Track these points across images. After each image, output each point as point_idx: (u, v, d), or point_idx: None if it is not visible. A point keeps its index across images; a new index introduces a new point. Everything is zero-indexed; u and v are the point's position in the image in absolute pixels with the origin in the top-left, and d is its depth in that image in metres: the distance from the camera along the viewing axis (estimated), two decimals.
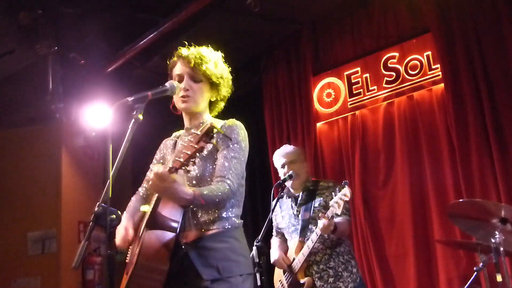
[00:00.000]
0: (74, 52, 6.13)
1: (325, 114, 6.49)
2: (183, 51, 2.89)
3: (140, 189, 3.11)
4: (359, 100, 6.19)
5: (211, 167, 2.74)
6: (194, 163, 2.36)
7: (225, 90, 2.95)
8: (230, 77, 2.98)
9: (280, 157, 4.65)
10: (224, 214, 2.73)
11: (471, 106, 5.19)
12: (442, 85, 5.52)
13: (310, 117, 6.45)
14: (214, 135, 2.39)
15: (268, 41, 6.90)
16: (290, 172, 4.52)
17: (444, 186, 5.36)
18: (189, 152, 2.32)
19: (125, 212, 2.89)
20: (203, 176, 2.74)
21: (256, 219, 6.67)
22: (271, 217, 4.32)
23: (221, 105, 3.03)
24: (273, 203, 4.42)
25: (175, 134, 3.12)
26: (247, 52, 6.62)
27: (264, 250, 3.95)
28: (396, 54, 5.97)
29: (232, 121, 2.84)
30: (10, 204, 7.17)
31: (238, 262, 2.68)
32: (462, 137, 5.21)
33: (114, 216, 2.27)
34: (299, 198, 4.53)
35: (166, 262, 2.55)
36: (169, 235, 2.59)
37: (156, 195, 2.60)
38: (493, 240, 3.61)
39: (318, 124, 6.51)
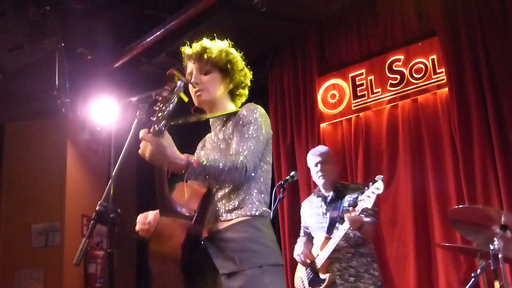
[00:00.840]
0: (82, 47, 6.13)
1: (329, 115, 6.48)
2: (186, 49, 2.86)
3: None
4: (363, 102, 6.18)
5: (230, 151, 2.61)
6: (163, 117, 2.20)
7: (240, 75, 2.85)
8: (242, 62, 2.88)
9: (314, 156, 4.73)
10: (244, 202, 2.56)
11: (476, 111, 5.17)
12: (446, 89, 5.50)
13: (314, 118, 6.44)
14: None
15: (274, 40, 6.89)
16: (293, 173, 4.54)
17: (446, 191, 5.34)
18: (157, 108, 2.19)
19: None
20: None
21: None
22: (271, 218, 4.30)
23: (243, 92, 2.91)
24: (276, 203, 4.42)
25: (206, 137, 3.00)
26: (253, 50, 6.57)
27: None
28: (401, 57, 5.95)
29: (250, 104, 2.75)
30: (16, 196, 7.20)
31: (258, 252, 2.46)
32: (466, 142, 5.18)
33: (116, 214, 2.26)
34: (329, 198, 4.61)
35: (179, 252, 2.37)
36: (184, 222, 2.42)
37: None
38: (491, 247, 3.59)
39: (322, 125, 6.51)
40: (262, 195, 2.65)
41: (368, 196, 4.11)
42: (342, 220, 4.32)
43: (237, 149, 2.54)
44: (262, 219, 2.60)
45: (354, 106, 6.25)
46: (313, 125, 6.44)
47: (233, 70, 2.82)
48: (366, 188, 4.26)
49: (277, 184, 4.54)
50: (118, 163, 2.34)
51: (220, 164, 2.38)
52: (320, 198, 4.67)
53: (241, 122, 2.63)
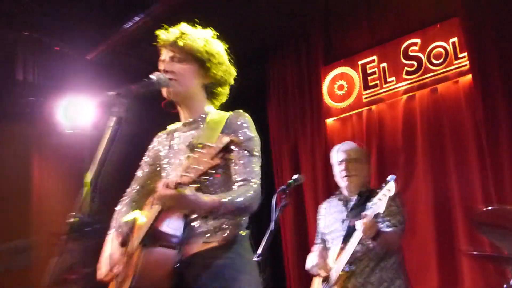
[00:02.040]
0: (52, 37, 6.11)
1: (336, 109, 6.49)
2: (162, 34, 2.84)
3: (127, 192, 3.03)
4: (375, 93, 6.20)
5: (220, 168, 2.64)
6: (205, 183, 2.33)
7: (221, 71, 2.83)
8: (225, 56, 2.87)
9: (339, 152, 4.66)
10: (225, 224, 2.64)
11: (503, 101, 5.18)
12: (469, 76, 5.51)
13: (319, 113, 6.45)
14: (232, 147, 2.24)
15: (275, 28, 6.88)
16: (296, 176, 4.50)
17: (472, 192, 5.35)
18: (202, 168, 2.18)
19: (112, 229, 2.84)
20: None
21: (261, 228, 6.65)
22: (272, 228, 4.28)
23: (223, 92, 2.91)
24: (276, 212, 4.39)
25: (170, 127, 3.01)
26: (252, 40, 6.59)
27: (267, 264, 3.92)
28: (418, 41, 5.95)
29: (239, 113, 2.76)
30: None
31: (240, 281, 2.56)
32: (493, 136, 5.20)
33: (93, 227, 2.24)
34: (351, 203, 4.55)
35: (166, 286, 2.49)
36: (169, 253, 2.54)
37: (156, 207, 2.51)
38: None
39: (329, 121, 6.52)
40: (244, 217, 2.73)
41: (380, 199, 4.05)
42: None
43: (243, 174, 2.61)
44: (243, 243, 2.68)
45: (365, 98, 6.26)
46: (318, 121, 6.45)
47: (212, 62, 2.80)
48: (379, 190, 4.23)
49: (279, 190, 4.46)
50: (95, 167, 2.32)
51: (244, 205, 2.50)
52: (341, 202, 4.60)
53: (241, 138, 2.64)
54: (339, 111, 6.48)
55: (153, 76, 2.66)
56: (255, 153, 2.66)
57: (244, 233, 2.69)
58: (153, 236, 2.51)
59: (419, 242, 5.62)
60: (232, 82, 2.91)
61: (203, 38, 2.81)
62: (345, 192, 4.61)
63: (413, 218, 5.68)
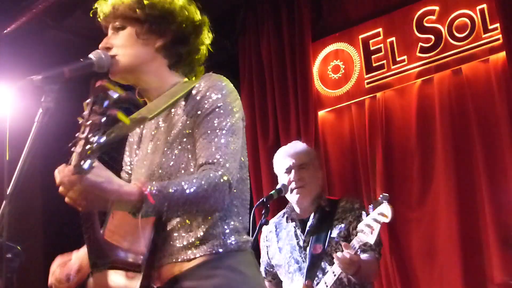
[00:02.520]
0: None
1: (330, 97, 6.50)
2: (102, 5, 2.75)
3: None
4: (381, 76, 6.21)
5: (188, 155, 2.54)
6: (92, 150, 2.17)
7: (175, 24, 2.71)
8: (181, 4, 2.74)
9: (286, 157, 4.60)
10: (212, 231, 2.49)
11: None
12: (503, 53, 5.54)
13: (308, 102, 6.44)
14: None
15: None
16: (280, 185, 4.50)
17: (507, 203, 5.37)
18: (83, 136, 2.07)
19: None
20: (176, 170, 2.53)
21: None
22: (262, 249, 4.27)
23: (191, 51, 2.78)
24: (255, 229, 4.38)
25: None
26: (216, 5, 6.58)
27: None
28: (436, 8, 5.98)
29: (208, 76, 2.65)
30: None
31: None
32: None
33: (14, 254, 2.23)
34: (309, 223, 4.48)
35: None
36: (132, 279, 2.40)
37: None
38: None
39: (321, 113, 6.53)
40: (239, 218, 2.59)
41: (369, 226, 4.02)
42: (329, 258, 4.26)
43: (209, 155, 2.44)
44: (241, 255, 2.54)
45: (368, 83, 6.28)
46: (306, 114, 6.44)
47: (154, 16, 2.70)
48: (364, 212, 4.21)
49: (257, 203, 4.47)
50: (14, 178, 2.28)
51: (192, 188, 2.30)
52: (293, 223, 4.58)
53: (204, 107, 2.53)
54: (333, 100, 6.50)
55: (91, 55, 2.60)
56: (225, 124, 2.50)
57: (243, 240, 2.57)
58: (104, 254, 2.39)
59: (440, 270, 5.64)
60: (203, 34, 2.79)
61: None
62: (297, 209, 4.57)
63: (432, 241, 5.72)
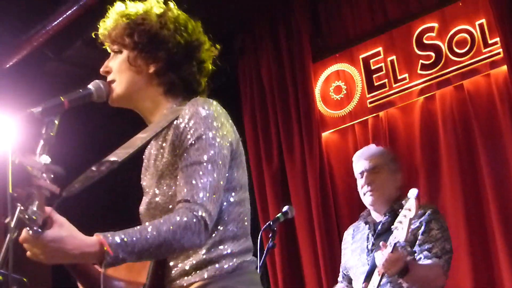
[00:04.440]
0: None
1: (333, 118, 6.50)
2: (101, 27, 2.74)
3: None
4: (383, 95, 6.22)
5: (171, 187, 2.50)
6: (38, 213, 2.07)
7: (166, 48, 2.66)
8: (179, 26, 2.69)
9: (360, 159, 4.57)
10: (207, 257, 2.46)
11: None
12: (504, 67, 5.55)
13: (311, 124, 6.45)
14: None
15: (246, 11, 6.90)
16: (286, 208, 4.49)
17: None
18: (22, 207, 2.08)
19: None
20: (161, 205, 2.52)
21: None
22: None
23: (184, 76, 2.72)
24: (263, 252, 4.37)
25: None
26: (215, 29, 6.59)
27: None
28: (435, 24, 6.00)
29: (194, 101, 2.55)
30: None
31: None
32: None
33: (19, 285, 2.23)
34: (379, 226, 4.42)
35: None
36: None
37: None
38: None
39: (324, 134, 6.54)
40: (237, 241, 2.54)
41: (400, 222, 3.98)
42: None
43: (185, 192, 2.38)
44: (240, 275, 2.49)
45: (371, 103, 6.29)
46: (310, 136, 6.44)
47: (144, 39, 2.65)
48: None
49: (264, 227, 4.48)
50: (17, 207, 2.29)
51: (157, 232, 2.24)
52: (367, 226, 4.55)
53: (186, 137, 2.47)
54: (337, 121, 6.50)
55: (90, 86, 2.59)
56: (205, 157, 2.43)
57: (242, 261, 2.52)
58: None
59: (451, 280, 5.60)
60: (201, 53, 2.75)
61: (131, 12, 2.69)
62: (372, 212, 4.52)
63: None
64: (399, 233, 3.90)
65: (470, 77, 5.79)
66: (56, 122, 2.33)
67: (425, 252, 4.10)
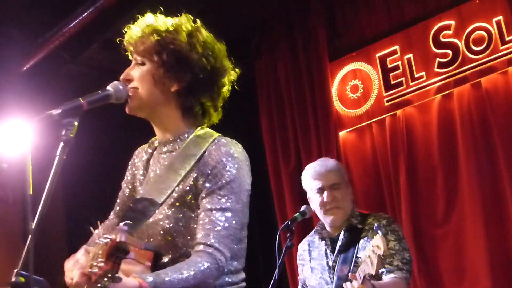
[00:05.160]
0: None
1: (350, 117, 6.50)
2: (128, 31, 2.79)
3: (109, 218, 2.99)
4: (400, 93, 6.21)
5: (189, 213, 2.61)
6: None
7: (191, 72, 2.70)
8: (207, 52, 2.74)
9: (316, 176, 4.55)
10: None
11: None
12: None
13: (328, 123, 6.45)
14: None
15: (262, 12, 6.90)
16: (303, 208, 4.49)
17: None
18: (96, 271, 2.19)
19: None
20: (175, 230, 2.60)
21: (256, 274, 6.62)
22: (277, 277, 4.24)
23: (211, 109, 2.82)
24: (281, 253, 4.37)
25: (152, 141, 2.97)
26: (232, 28, 6.61)
27: None
28: (452, 22, 5.98)
29: (222, 144, 2.65)
30: None
31: None
32: None
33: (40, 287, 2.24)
34: (339, 243, 4.42)
35: None
36: None
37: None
38: None
39: (341, 133, 6.54)
40: (238, 273, 2.71)
41: (369, 257, 3.92)
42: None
43: (205, 236, 2.52)
44: None
45: (388, 101, 6.28)
46: (327, 135, 6.45)
47: (180, 60, 2.70)
48: (381, 231, 4.06)
49: (282, 227, 4.46)
50: (38, 213, 2.30)
51: (189, 279, 2.42)
52: (324, 242, 4.55)
53: (215, 179, 2.57)
54: (354, 120, 6.50)
55: (109, 87, 2.63)
56: (230, 204, 2.57)
57: (233, 280, 2.67)
58: None
59: (470, 286, 5.59)
60: (223, 79, 2.82)
61: (161, 28, 2.72)
62: (328, 229, 4.54)
63: (461, 255, 5.66)
64: (368, 267, 3.85)
65: (488, 75, 5.76)
66: (76, 123, 2.35)
67: (387, 266, 4.10)
